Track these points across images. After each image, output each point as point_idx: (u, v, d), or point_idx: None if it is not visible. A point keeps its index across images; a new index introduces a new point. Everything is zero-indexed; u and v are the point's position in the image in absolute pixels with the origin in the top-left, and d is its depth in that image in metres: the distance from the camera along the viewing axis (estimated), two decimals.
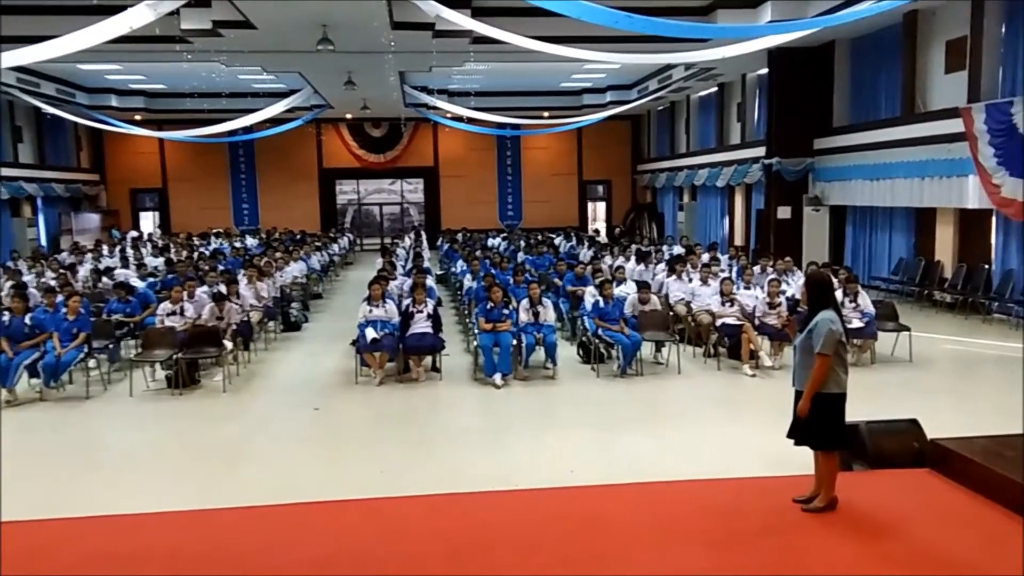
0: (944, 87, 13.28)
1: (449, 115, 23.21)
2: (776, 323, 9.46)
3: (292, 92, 20.68)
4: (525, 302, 9.61)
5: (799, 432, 4.93)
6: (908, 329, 9.87)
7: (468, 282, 12.57)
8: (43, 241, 22.60)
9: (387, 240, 25.12)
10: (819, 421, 4.80)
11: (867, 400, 6.69)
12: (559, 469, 6.27)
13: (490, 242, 20.46)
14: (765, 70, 17.53)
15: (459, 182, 28.88)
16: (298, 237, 22.15)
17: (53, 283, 11.53)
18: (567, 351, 10.37)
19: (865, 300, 9.74)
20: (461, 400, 8.57)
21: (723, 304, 9.89)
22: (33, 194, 21.70)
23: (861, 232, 16.13)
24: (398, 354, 9.36)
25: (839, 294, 9.03)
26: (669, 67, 19.47)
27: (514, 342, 9.15)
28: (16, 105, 20.93)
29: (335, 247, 21.71)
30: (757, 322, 9.60)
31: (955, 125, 12.04)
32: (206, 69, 17.56)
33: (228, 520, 5.20)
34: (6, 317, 8.98)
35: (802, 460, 5.13)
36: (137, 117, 24.15)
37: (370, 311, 9.38)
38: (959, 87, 12.59)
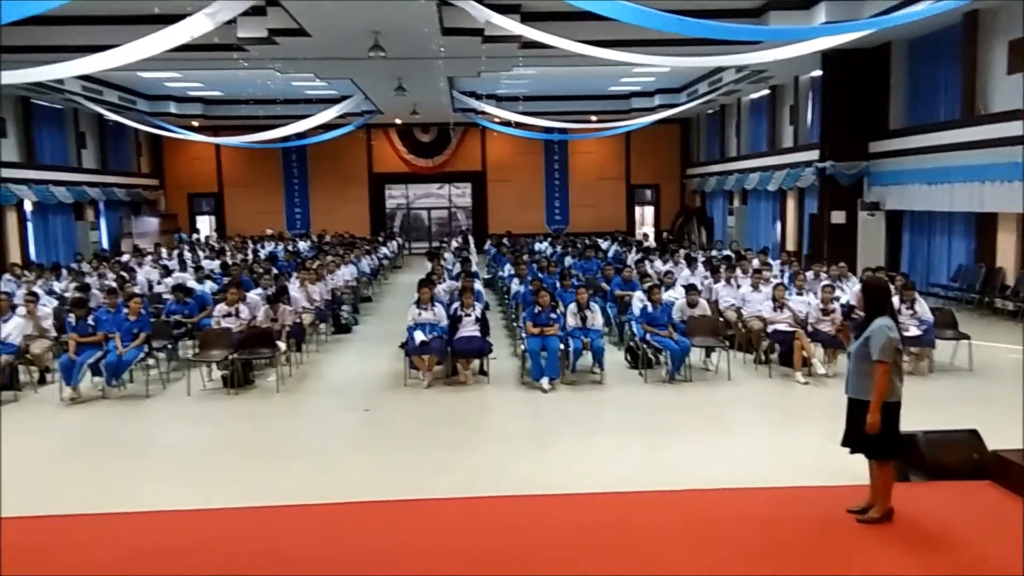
0: (1006, 88, 12.86)
1: (497, 120, 23.32)
2: (830, 330, 9.28)
3: (344, 98, 21.02)
4: (573, 306, 9.60)
5: (854, 441, 4.84)
6: (968, 337, 9.59)
7: (515, 286, 12.61)
8: (104, 244, 23.36)
9: (434, 244, 25.31)
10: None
11: (925, 410, 6.52)
12: (606, 474, 6.25)
13: (537, 246, 20.49)
14: (819, 72, 17.22)
15: (507, 186, 28.99)
16: (348, 240, 22.48)
17: (114, 285, 11.91)
18: (615, 356, 10.33)
19: (923, 307, 9.49)
20: (508, 403, 8.60)
21: (775, 310, 9.74)
22: (95, 198, 22.46)
23: (919, 237, 15.72)
24: (446, 357, 9.44)
25: (896, 301, 8.82)
26: (720, 70, 19.26)
27: (561, 346, 9.15)
28: (80, 112, 21.70)
29: (384, 251, 21.97)
30: (810, 329, 9.44)
31: (1017, 128, 11.67)
32: (261, 76, 17.98)
33: (272, 518, 5.29)
34: (71, 318, 9.31)
35: (856, 470, 5.03)
36: (195, 123, 24.82)
37: (419, 314, 9.48)
38: (1022, 88, 12.20)
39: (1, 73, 10.79)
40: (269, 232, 25.73)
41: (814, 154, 17.26)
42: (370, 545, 4.78)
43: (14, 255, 18.17)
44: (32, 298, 9.87)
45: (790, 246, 19.81)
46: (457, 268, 14.61)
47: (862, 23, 11.30)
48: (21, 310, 9.58)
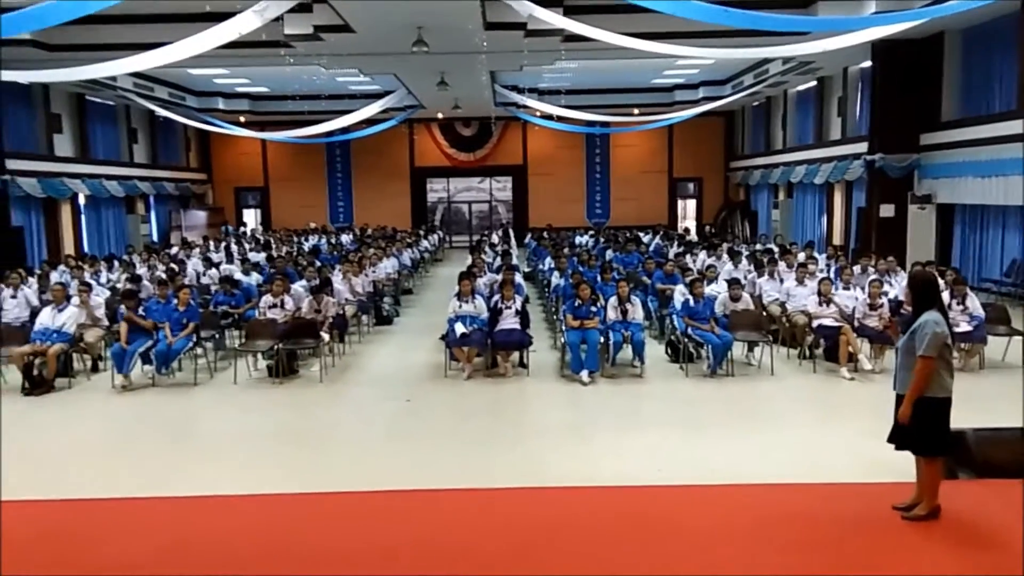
0: None
1: (539, 113, 23.28)
2: (877, 325, 9.10)
3: (387, 93, 21.20)
4: (613, 300, 9.57)
5: (900, 436, 4.76)
6: (1021, 333, 9.33)
7: (556, 279, 12.61)
8: (155, 236, 23.94)
9: (475, 237, 25.42)
10: (922, 425, 4.63)
11: (975, 407, 6.37)
12: (645, 468, 6.24)
13: (577, 240, 20.45)
14: (868, 63, 16.83)
15: (547, 180, 28.94)
16: (390, 234, 22.68)
17: (164, 276, 12.21)
18: (655, 350, 10.27)
19: (974, 303, 9.26)
20: (548, 396, 8.62)
21: (820, 305, 9.58)
22: (146, 192, 23.02)
23: (971, 232, 15.31)
24: (487, 349, 9.50)
25: (946, 296, 8.62)
26: (766, 61, 18.93)
27: (601, 339, 9.13)
28: (132, 108, 22.24)
29: (425, 244, 22.12)
30: (857, 324, 9.27)
31: None
32: (307, 72, 18.21)
33: (311, 504, 5.39)
34: (123, 309, 9.57)
35: (902, 467, 4.95)
36: (242, 119, 25.25)
37: (460, 306, 9.54)
38: None
39: (59, 70, 11.12)
40: (312, 225, 26.09)
41: (862, 146, 16.90)
42: (408, 533, 4.83)
43: (68, 247, 18.72)
44: (86, 288, 10.17)
45: (837, 240, 19.43)
46: (497, 261, 14.66)
47: (914, 12, 11.00)
48: (75, 300, 9.87)
